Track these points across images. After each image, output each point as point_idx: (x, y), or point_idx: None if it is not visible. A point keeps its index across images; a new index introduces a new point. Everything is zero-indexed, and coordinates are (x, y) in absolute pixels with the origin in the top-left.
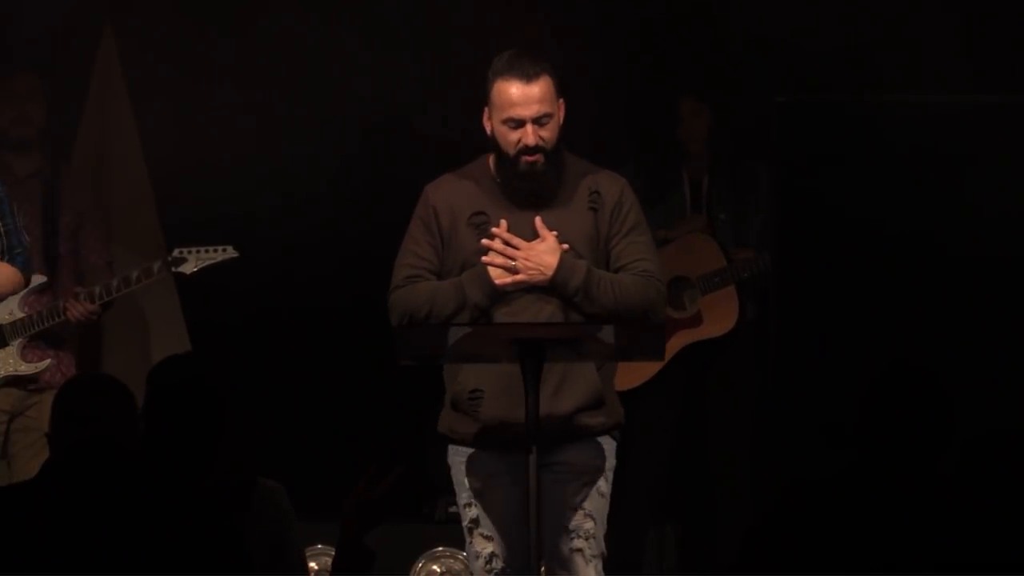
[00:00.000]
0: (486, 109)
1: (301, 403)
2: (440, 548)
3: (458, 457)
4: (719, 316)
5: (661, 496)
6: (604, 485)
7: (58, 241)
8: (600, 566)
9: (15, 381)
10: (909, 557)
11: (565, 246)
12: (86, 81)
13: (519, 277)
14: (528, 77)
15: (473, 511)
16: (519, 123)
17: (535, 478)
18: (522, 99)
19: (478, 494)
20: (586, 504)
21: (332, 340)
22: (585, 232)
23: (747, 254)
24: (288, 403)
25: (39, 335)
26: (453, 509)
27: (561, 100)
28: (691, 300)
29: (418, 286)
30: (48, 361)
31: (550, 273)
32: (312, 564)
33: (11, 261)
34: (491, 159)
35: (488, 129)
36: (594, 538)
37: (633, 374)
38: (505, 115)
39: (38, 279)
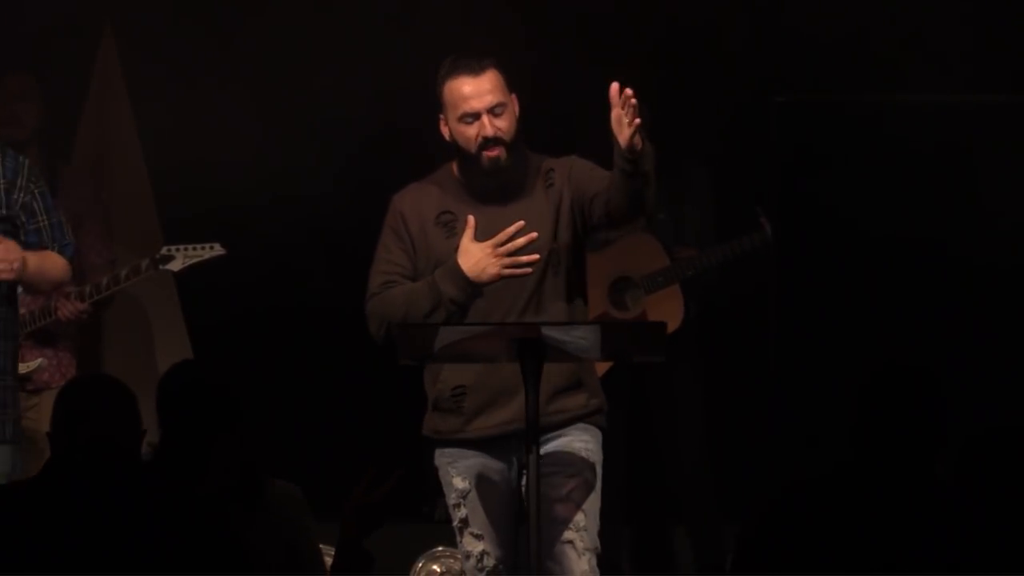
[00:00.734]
0: (441, 116)
1: (301, 403)
2: (440, 548)
3: (444, 459)
4: (664, 315)
5: (618, 498)
6: (593, 477)
7: None
8: (594, 560)
9: None
10: (906, 558)
11: (534, 234)
12: (86, 81)
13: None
14: (475, 71)
15: (462, 511)
16: (475, 116)
17: (535, 478)
18: (473, 92)
19: (466, 494)
20: (575, 496)
21: (332, 340)
22: (546, 208)
23: (690, 252)
24: (288, 403)
25: (34, 335)
26: None
27: (514, 95)
28: (634, 300)
29: (392, 291)
30: (40, 361)
31: None
32: None
33: (59, 251)
34: (454, 165)
35: (446, 135)
36: (586, 531)
37: None
38: (460, 111)
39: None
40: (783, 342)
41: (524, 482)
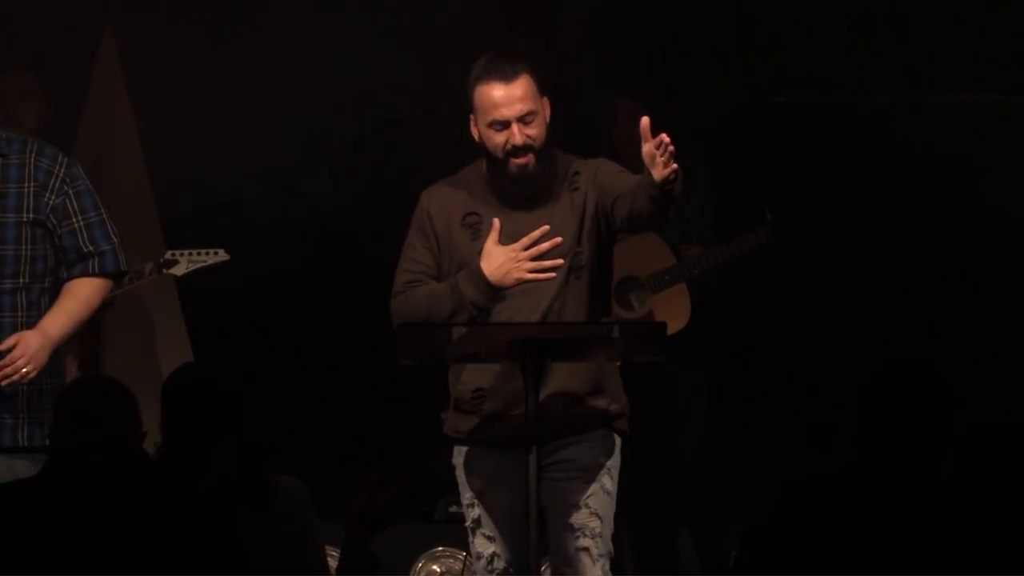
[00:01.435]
0: (471, 117)
1: (302, 403)
2: (440, 548)
3: (462, 458)
4: (671, 314)
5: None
6: (609, 483)
7: None
8: (607, 566)
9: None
10: (910, 557)
11: (559, 239)
12: (86, 81)
13: (530, 276)
14: (508, 77)
15: (475, 511)
16: (504, 124)
17: (535, 478)
18: (504, 100)
19: (480, 495)
20: (591, 502)
21: (333, 340)
22: (571, 212)
23: (695, 251)
24: (289, 403)
25: None
26: (453, 509)
27: (546, 98)
28: (640, 300)
29: (416, 290)
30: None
31: None
32: None
33: (99, 258)
34: (483, 164)
35: (476, 136)
36: (600, 537)
37: None
38: (490, 118)
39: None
40: (783, 341)
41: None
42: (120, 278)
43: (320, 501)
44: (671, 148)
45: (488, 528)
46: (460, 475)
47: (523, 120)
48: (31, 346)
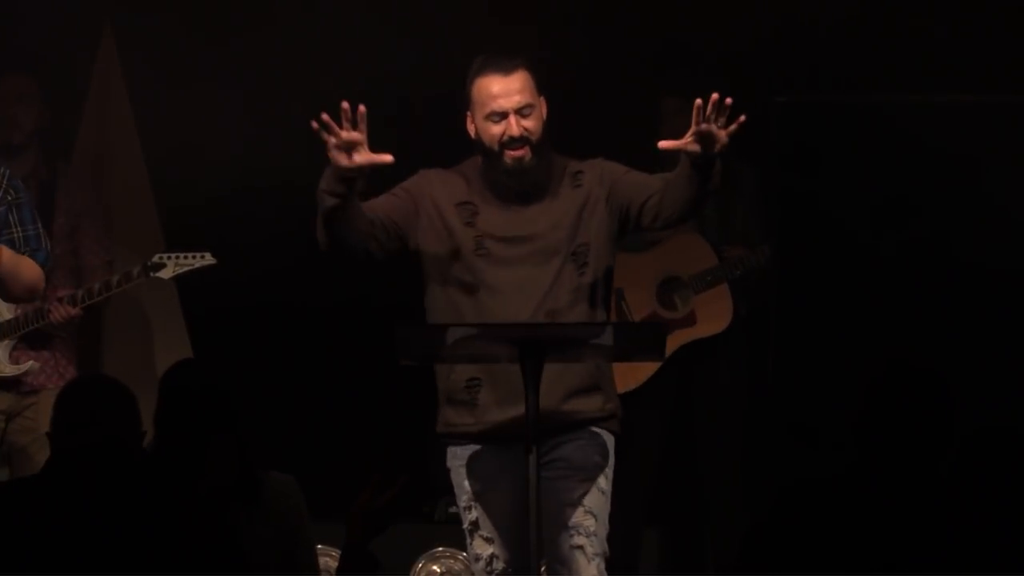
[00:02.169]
0: (468, 114)
1: (302, 403)
2: (440, 548)
3: (457, 460)
4: (713, 315)
5: (651, 497)
6: (604, 482)
7: (53, 243)
8: (602, 565)
9: (3, 383)
10: (909, 557)
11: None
12: (86, 81)
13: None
14: (506, 70)
15: (473, 513)
16: (502, 115)
17: (535, 478)
18: (502, 91)
19: (478, 496)
20: (586, 501)
21: (333, 340)
22: (573, 206)
23: (738, 251)
24: (289, 403)
25: (30, 336)
26: (453, 509)
27: (543, 97)
28: (683, 300)
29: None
30: (31, 364)
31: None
32: None
33: (32, 254)
34: (479, 160)
35: (472, 132)
36: (595, 536)
37: (627, 377)
38: (487, 109)
39: None
40: (782, 343)
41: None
42: (43, 280)
43: (320, 501)
44: (729, 101)
45: (486, 529)
46: (455, 477)
47: (520, 112)
48: None
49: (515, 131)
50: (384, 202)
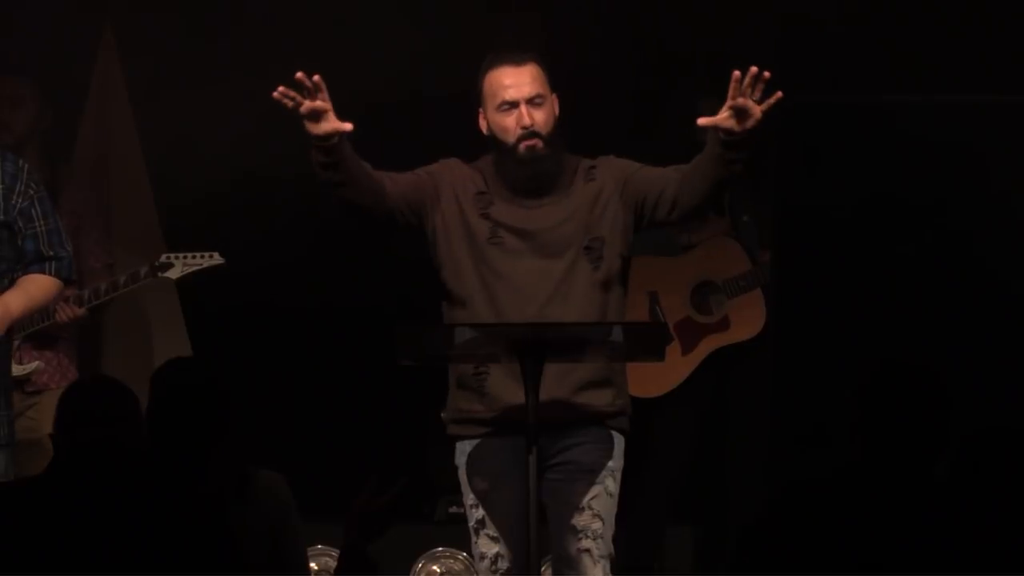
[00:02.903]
0: (480, 110)
1: (302, 403)
2: (440, 548)
3: (464, 458)
4: (747, 320)
5: (679, 498)
6: (612, 485)
7: None
8: (608, 567)
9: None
10: (906, 558)
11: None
12: (86, 81)
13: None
14: (517, 62)
15: (479, 512)
16: (513, 104)
17: (535, 479)
18: (514, 82)
19: (484, 495)
20: (594, 504)
21: (333, 340)
22: (586, 200)
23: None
24: (289, 403)
25: (32, 336)
26: (453, 509)
27: (555, 95)
28: (718, 304)
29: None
30: (36, 364)
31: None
32: (312, 564)
33: (56, 265)
34: (491, 158)
35: (484, 128)
36: (602, 538)
37: (662, 380)
38: (499, 100)
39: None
40: (783, 343)
41: (544, 479)
42: (70, 285)
43: (319, 500)
44: (767, 74)
45: (492, 528)
46: (463, 475)
47: (532, 102)
48: None
49: (527, 121)
50: (405, 176)
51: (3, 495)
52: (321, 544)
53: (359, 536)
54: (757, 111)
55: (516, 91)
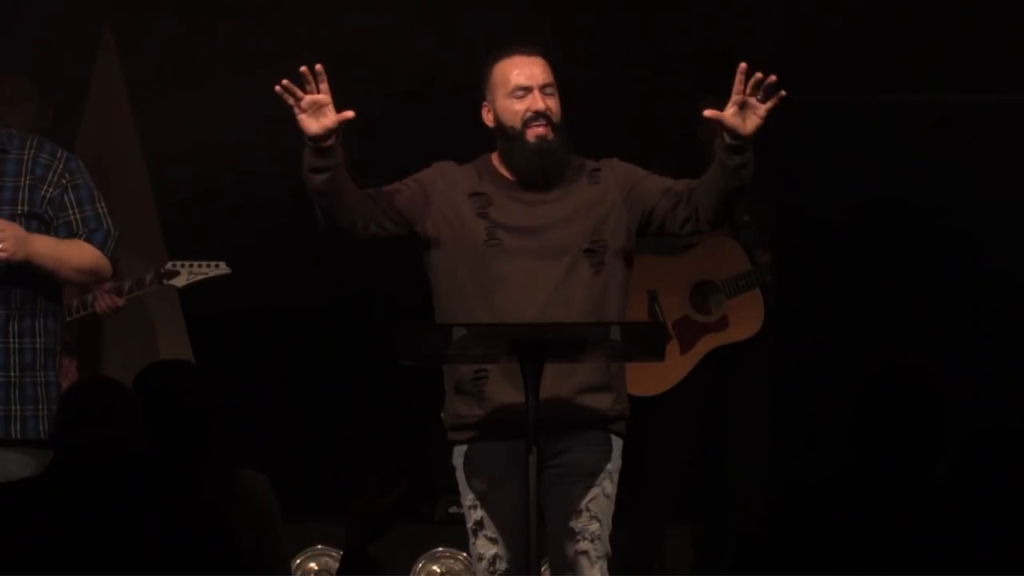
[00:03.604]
0: (484, 104)
1: (302, 403)
2: (440, 548)
3: (462, 459)
4: (745, 319)
5: (678, 497)
6: (609, 486)
7: None
8: (605, 567)
9: None
10: (904, 559)
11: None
12: (86, 81)
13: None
14: (527, 52)
15: (478, 513)
16: (526, 89)
17: (535, 479)
18: (526, 69)
19: (483, 496)
20: (591, 506)
21: (333, 340)
22: (589, 202)
23: (771, 256)
24: (289, 403)
25: None
26: (453, 509)
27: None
28: (717, 304)
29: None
30: None
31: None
32: (311, 564)
33: (88, 236)
34: (493, 156)
35: (490, 120)
36: (599, 539)
37: (660, 379)
38: (511, 85)
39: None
40: (782, 343)
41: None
42: (107, 259)
43: (319, 500)
44: (773, 78)
45: (491, 530)
46: (461, 476)
47: (544, 90)
48: (8, 229)
49: (540, 105)
50: (391, 189)
51: (3, 495)
52: (321, 544)
53: (361, 537)
54: (762, 109)
55: (530, 78)
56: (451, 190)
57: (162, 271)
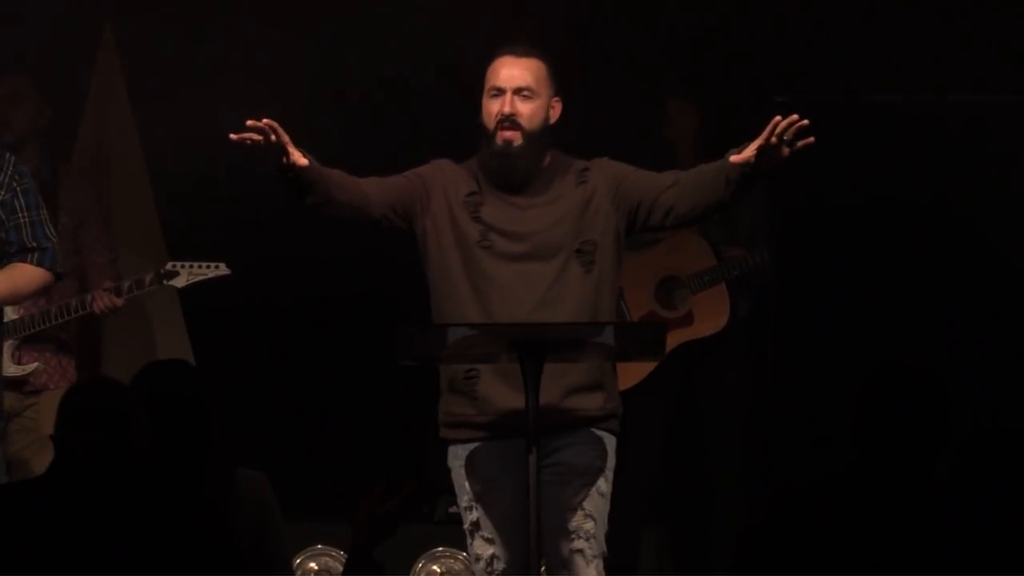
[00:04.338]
0: (483, 103)
1: (302, 403)
2: (440, 548)
3: (458, 460)
4: (710, 315)
5: (654, 495)
6: (604, 485)
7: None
8: (601, 566)
9: (5, 383)
10: (905, 560)
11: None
12: (86, 81)
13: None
14: (518, 54)
15: (474, 514)
16: (500, 91)
17: (535, 479)
18: (508, 70)
19: (479, 497)
20: (586, 504)
21: (333, 340)
22: (578, 203)
23: (737, 252)
24: (289, 403)
25: (32, 337)
26: (453, 509)
27: (557, 98)
28: (682, 299)
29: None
30: (36, 364)
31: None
32: (312, 564)
33: (39, 256)
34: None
35: (483, 120)
36: (594, 538)
37: (627, 375)
38: (489, 84)
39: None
40: (782, 342)
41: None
42: (58, 279)
43: (319, 500)
44: (805, 122)
45: (487, 530)
46: (456, 477)
47: (519, 93)
48: None
49: (507, 108)
50: (393, 180)
51: (3, 495)
52: (321, 544)
53: (366, 540)
54: (786, 152)
55: (505, 79)
56: (449, 189)
57: (162, 271)
